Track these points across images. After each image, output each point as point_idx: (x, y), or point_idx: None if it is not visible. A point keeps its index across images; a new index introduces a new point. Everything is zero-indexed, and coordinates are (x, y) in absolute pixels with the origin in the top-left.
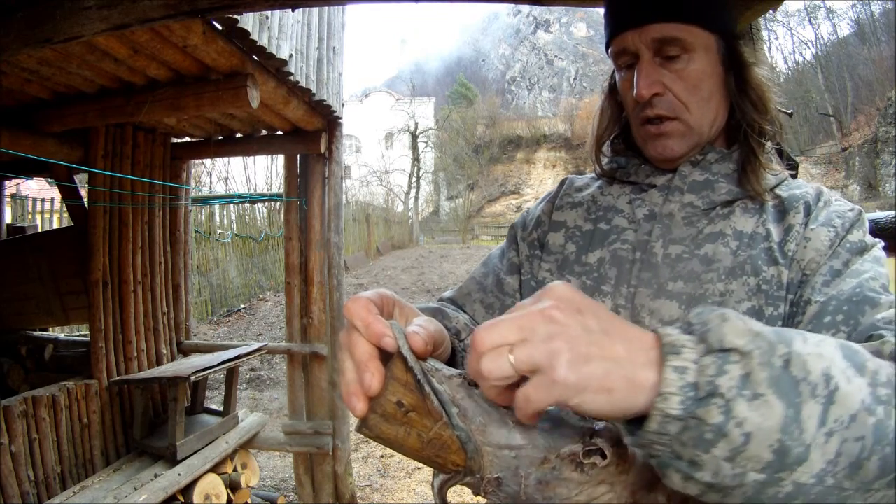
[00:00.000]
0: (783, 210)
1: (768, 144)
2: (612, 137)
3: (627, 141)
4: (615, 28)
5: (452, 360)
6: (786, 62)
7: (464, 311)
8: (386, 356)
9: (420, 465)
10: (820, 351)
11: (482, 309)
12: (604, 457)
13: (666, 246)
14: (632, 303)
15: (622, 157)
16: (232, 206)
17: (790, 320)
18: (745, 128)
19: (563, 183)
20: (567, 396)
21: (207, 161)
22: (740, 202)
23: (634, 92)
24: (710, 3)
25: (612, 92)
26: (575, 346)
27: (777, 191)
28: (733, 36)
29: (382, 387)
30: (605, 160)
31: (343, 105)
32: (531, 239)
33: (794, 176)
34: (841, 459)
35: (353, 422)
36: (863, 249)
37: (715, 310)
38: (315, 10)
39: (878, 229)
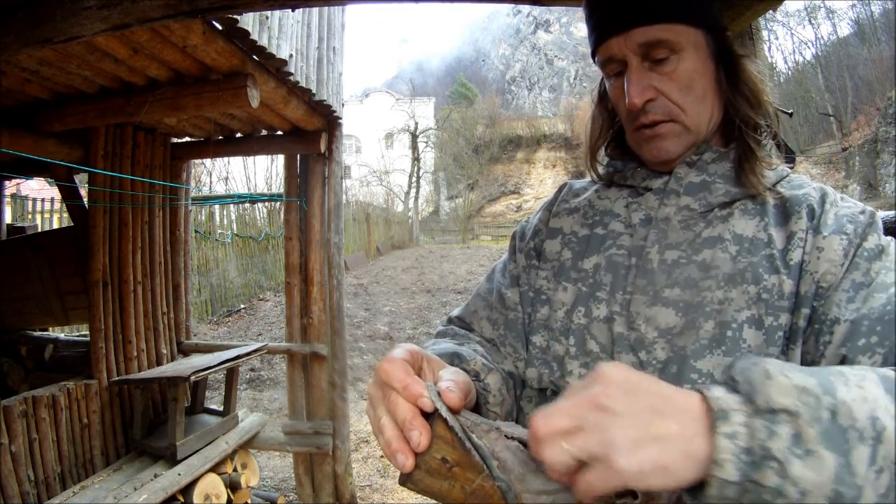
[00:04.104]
0: (785, 213)
1: (766, 139)
2: (606, 143)
3: (622, 145)
4: (599, 36)
5: (476, 403)
6: (786, 62)
7: (472, 330)
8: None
9: None
10: (864, 394)
11: (488, 325)
12: (635, 497)
13: (662, 251)
14: (627, 310)
15: (618, 160)
16: (232, 206)
17: (816, 338)
18: (739, 124)
19: (561, 189)
20: (628, 481)
21: (207, 161)
22: (740, 203)
23: (626, 101)
24: None
25: (602, 99)
26: (629, 433)
27: (779, 188)
28: (722, 29)
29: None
30: (600, 166)
31: (343, 105)
32: (528, 249)
33: (791, 168)
34: (892, 492)
35: (353, 422)
36: (880, 253)
37: (756, 363)
38: (315, 10)
39: None
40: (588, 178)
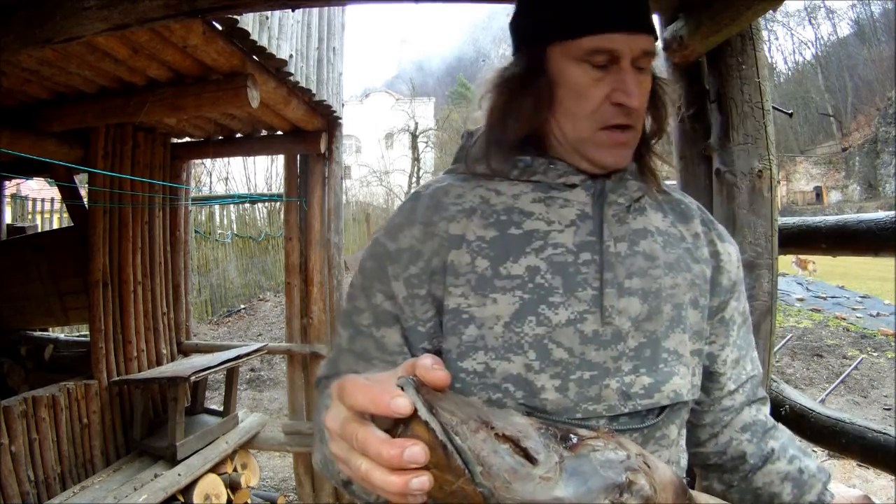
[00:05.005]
0: (682, 213)
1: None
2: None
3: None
4: (600, 24)
5: None
6: (786, 62)
7: None
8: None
9: None
10: None
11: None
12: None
13: (614, 244)
14: (599, 305)
15: (527, 155)
16: (232, 206)
17: (727, 328)
18: (648, 135)
19: (422, 197)
20: None
21: (207, 161)
22: (643, 199)
23: (629, 100)
24: None
25: (530, 81)
26: None
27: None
28: None
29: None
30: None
31: (343, 105)
32: (408, 275)
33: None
34: None
35: None
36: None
37: None
38: (315, 10)
39: (877, 229)
40: (445, 180)
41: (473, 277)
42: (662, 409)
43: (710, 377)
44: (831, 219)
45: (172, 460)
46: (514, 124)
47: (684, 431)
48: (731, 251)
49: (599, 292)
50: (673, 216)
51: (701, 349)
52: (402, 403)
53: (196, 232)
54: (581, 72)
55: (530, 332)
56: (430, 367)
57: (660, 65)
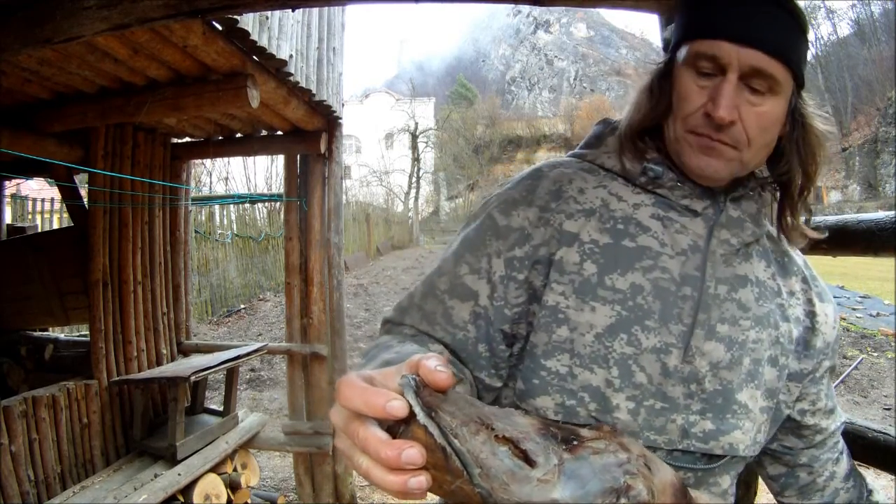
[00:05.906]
0: (784, 268)
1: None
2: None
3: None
4: (713, 30)
5: None
6: None
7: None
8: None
9: None
10: None
11: (419, 338)
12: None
13: (715, 286)
14: (686, 343)
15: (659, 164)
16: (232, 206)
17: (815, 384)
18: (792, 181)
19: (544, 179)
20: None
21: (207, 161)
22: (755, 244)
23: (714, 111)
24: (804, 50)
25: (664, 79)
26: None
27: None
28: (801, 86)
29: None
30: (627, 158)
31: (343, 105)
32: (511, 256)
33: None
34: None
35: None
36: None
37: None
38: (315, 10)
39: (877, 229)
40: (571, 165)
41: (578, 279)
42: (719, 457)
43: (801, 428)
44: (831, 219)
45: (172, 460)
46: (635, 115)
47: (734, 487)
48: (828, 311)
49: (689, 331)
50: (775, 267)
51: (771, 407)
52: (397, 406)
53: (196, 232)
54: (688, 76)
55: (619, 350)
56: (433, 369)
57: (823, 115)
